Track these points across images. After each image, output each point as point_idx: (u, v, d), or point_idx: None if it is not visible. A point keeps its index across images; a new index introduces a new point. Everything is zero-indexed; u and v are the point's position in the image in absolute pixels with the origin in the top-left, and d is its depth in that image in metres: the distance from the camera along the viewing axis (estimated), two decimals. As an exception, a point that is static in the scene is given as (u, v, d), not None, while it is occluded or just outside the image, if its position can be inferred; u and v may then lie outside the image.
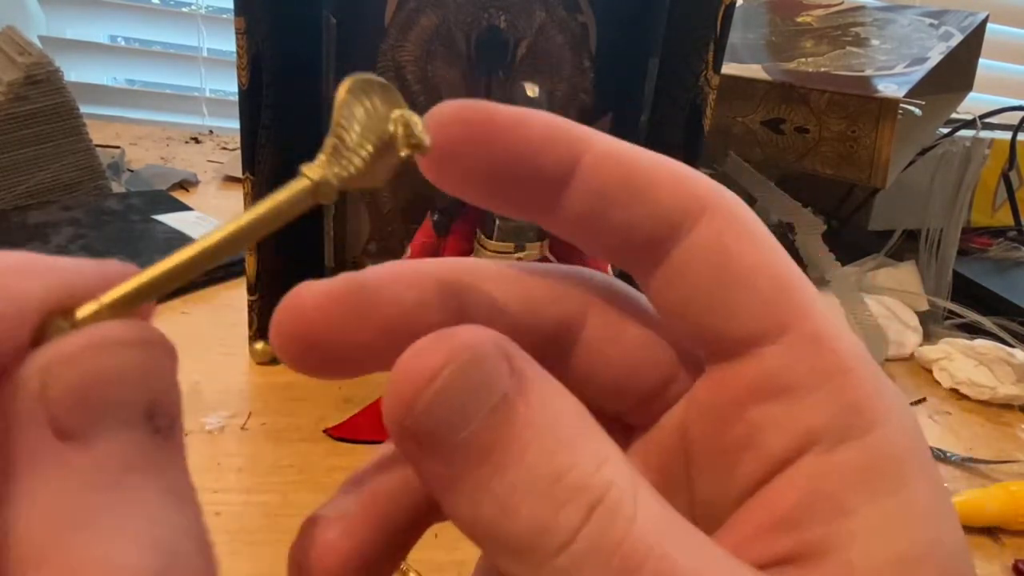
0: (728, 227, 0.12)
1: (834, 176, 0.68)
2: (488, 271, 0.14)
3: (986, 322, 0.69)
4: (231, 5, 0.45)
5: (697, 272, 0.12)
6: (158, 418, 0.11)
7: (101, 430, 0.10)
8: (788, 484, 0.12)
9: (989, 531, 0.47)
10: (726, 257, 0.12)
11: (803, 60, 0.72)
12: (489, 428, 0.11)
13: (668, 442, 0.14)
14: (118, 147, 0.97)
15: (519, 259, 0.42)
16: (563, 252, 0.45)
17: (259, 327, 0.54)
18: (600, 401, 0.14)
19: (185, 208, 0.80)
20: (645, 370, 0.14)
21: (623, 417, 0.14)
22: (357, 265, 0.59)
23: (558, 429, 0.11)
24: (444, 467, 0.11)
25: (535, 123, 0.13)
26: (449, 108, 0.13)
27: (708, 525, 0.12)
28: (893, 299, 0.71)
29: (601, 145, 0.13)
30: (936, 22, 0.74)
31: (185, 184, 0.89)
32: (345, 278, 0.13)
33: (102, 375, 0.10)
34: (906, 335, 0.70)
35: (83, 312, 0.11)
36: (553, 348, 0.14)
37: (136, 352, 0.11)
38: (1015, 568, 0.44)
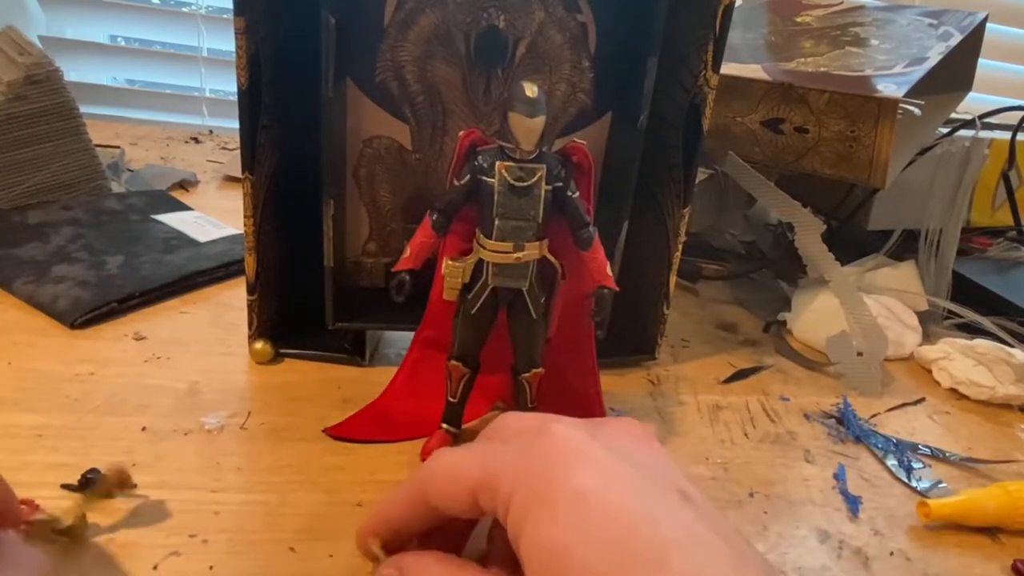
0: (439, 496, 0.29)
1: (834, 176, 0.68)
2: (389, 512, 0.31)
3: (985, 322, 0.69)
4: (231, 5, 0.45)
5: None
6: None
7: None
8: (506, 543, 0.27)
9: (988, 531, 0.47)
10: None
11: (803, 60, 0.72)
12: None
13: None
14: (118, 147, 0.97)
15: (518, 259, 0.42)
16: (562, 252, 0.45)
17: (259, 327, 0.54)
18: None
19: (185, 208, 0.80)
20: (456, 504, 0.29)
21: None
22: (357, 265, 0.59)
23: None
24: None
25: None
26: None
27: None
28: (893, 299, 0.71)
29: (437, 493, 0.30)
30: (936, 22, 0.74)
31: (185, 184, 0.89)
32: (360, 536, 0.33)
33: None
34: (906, 335, 0.70)
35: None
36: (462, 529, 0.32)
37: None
38: (1014, 568, 0.44)
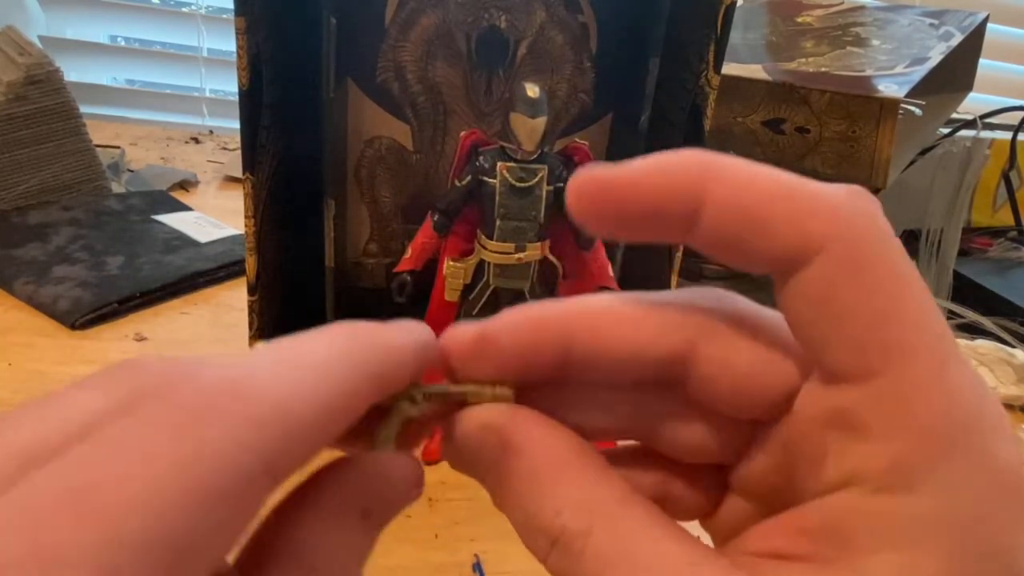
0: (838, 270, 0.13)
1: (834, 176, 0.68)
2: (599, 317, 0.16)
3: (986, 322, 0.69)
4: (231, 5, 0.45)
5: (804, 306, 0.14)
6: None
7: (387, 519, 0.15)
8: (823, 506, 0.14)
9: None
10: (828, 300, 0.13)
11: (803, 60, 0.72)
12: (494, 479, 0.16)
13: (785, 437, 0.15)
14: (118, 147, 0.97)
15: (519, 259, 0.42)
16: (564, 253, 0.45)
17: (259, 327, 0.53)
18: (724, 410, 0.16)
19: (185, 208, 0.80)
20: (760, 388, 0.15)
21: (753, 418, 0.16)
22: (358, 265, 0.59)
23: (531, 487, 0.15)
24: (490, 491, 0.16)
25: (650, 181, 0.14)
26: (575, 184, 0.15)
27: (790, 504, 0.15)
28: (893, 299, 0.71)
29: (720, 191, 0.14)
30: (936, 22, 0.74)
31: (185, 184, 0.89)
32: (475, 327, 0.16)
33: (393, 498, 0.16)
34: (906, 335, 0.69)
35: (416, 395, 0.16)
36: (669, 374, 0.16)
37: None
38: (1016, 568, 0.44)
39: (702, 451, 0.17)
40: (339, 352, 0.13)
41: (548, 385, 0.17)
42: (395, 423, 0.16)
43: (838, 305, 0.13)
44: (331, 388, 0.13)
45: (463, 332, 0.16)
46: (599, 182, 0.15)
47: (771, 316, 0.16)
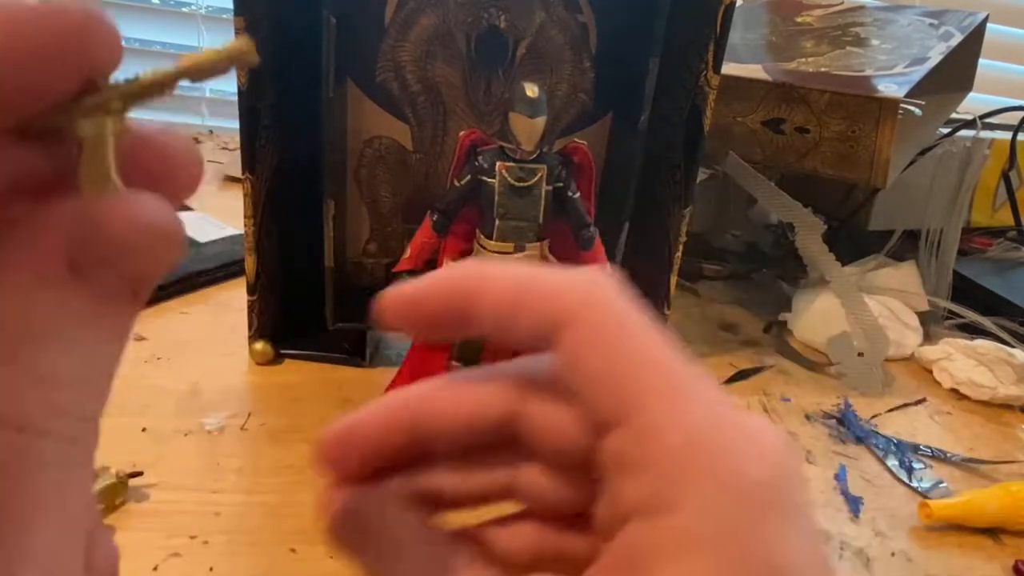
0: (581, 339, 0.16)
1: (834, 176, 0.68)
2: (435, 394, 0.18)
3: (986, 322, 0.69)
4: (231, 5, 0.45)
5: (566, 371, 0.17)
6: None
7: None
8: (622, 538, 0.15)
9: (990, 531, 0.47)
10: (579, 364, 0.16)
11: (803, 60, 0.72)
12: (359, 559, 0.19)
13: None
14: (118, 147, 0.97)
15: (519, 259, 0.42)
16: (563, 253, 0.45)
17: (259, 327, 0.54)
18: (556, 460, 0.18)
19: (185, 208, 0.80)
20: (574, 439, 0.17)
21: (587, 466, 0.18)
22: (358, 265, 0.59)
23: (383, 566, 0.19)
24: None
25: (435, 293, 0.18)
26: (386, 300, 0.18)
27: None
28: (893, 299, 0.71)
29: (488, 291, 0.17)
30: (936, 22, 0.74)
31: (185, 184, 0.89)
32: (339, 425, 0.19)
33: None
34: (906, 335, 0.69)
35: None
36: (505, 434, 0.18)
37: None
38: (1015, 569, 0.44)
39: (556, 500, 0.18)
40: None
41: (413, 461, 0.19)
42: (101, 149, 0.12)
43: (586, 367, 0.16)
44: None
45: (331, 432, 0.19)
46: (402, 298, 0.18)
47: None
